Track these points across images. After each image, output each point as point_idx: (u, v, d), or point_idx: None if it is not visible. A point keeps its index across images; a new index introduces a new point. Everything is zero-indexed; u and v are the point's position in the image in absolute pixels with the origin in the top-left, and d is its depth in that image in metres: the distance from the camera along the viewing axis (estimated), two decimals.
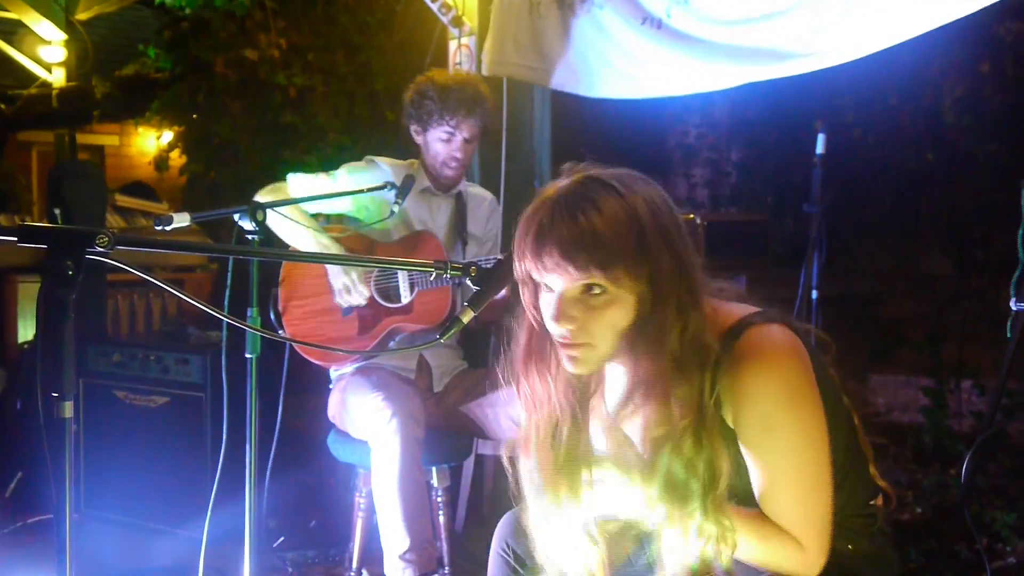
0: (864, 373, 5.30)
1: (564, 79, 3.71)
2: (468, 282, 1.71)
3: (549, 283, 1.48)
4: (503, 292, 1.73)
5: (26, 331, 4.39)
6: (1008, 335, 2.55)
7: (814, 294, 3.52)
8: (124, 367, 3.50)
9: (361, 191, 2.82)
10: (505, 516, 1.86)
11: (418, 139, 3.04)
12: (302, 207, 2.89)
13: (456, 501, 3.37)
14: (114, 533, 3.46)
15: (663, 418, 1.46)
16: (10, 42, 7.07)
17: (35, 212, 7.62)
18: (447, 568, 2.85)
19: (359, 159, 3.08)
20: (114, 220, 5.20)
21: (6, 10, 6.58)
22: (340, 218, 3.06)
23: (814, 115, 3.83)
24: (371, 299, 2.89)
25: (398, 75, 5.09)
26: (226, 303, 2.40)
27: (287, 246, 2.90)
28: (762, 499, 1.50)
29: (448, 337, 1.64)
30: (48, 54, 6.86)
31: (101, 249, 1.35)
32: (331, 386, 3.03)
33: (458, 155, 2.98)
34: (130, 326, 4.79)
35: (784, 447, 1.48)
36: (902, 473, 4.12)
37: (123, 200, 5.44)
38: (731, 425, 1.50)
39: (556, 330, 1.49)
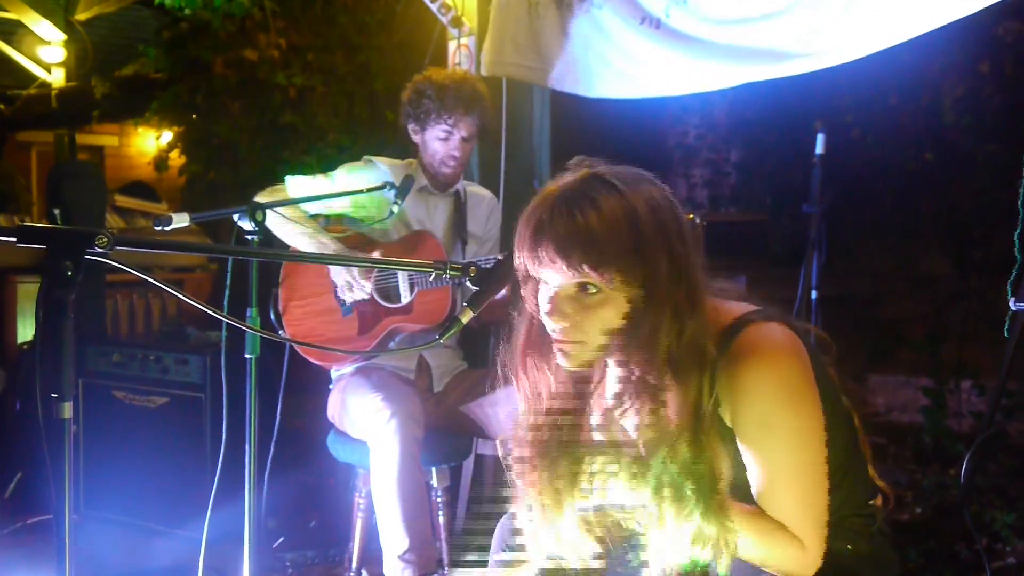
0: (864, 373, 5.30)
1: (563, 79, 3.71)
2: (468, 282, 1.71)
3: (545, 278, 1.49)
4: (503, 292, 1.73)
5: (26, 331, 4.39)
6: (1006, 335, 2.55)
7: (814, 294, 3.52)
8: (123, 367, 3.50)
9: (360, 191, 2.82)
10: (505, 516, 1.86)
11: (416, 138, 3.04)
12: (301, 208, 2.90)
13: (456, 501, 3.37)
14: (114, 533, 3.46)
15: (654, 421, 1.46)
16: (9, 42, 7.08)
17: (35, 212, 7.62)
18: (447, 568, 2.85)
19: (358, 159, 3.08)
20: (113, 220, 5.20)
21: (5, 10, 6.58)
22: (339, 219, 3.06)
23: (814, 115, 3.84)
24: (371, 299, 2.89)
25: (397, 75, 5.09)
26: (225, 303, 2.40)
27: (287, 247, 2.90)
28: (760, 497, 1.49)
29: (448, 338, 1.64)
30: (48, 54, 6.87)
31: (100, 249, 1.35)
32: (331, 386, 3.03)
33: (456, 154, 2.98)
34: (129, 326, 4.79)
35: (783, 445, 1.47)
36: (902, 473, 4.12)
37: (122, 200, 5.44)
38: (729, 424, 1.50)
39: (550, 325, 1.50)
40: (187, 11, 5.58)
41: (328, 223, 3.05)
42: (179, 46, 5.93)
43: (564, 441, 1.59)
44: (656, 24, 3.30)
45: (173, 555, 3.23)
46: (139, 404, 3.45)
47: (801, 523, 1.47)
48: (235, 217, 2.30)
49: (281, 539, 3.45)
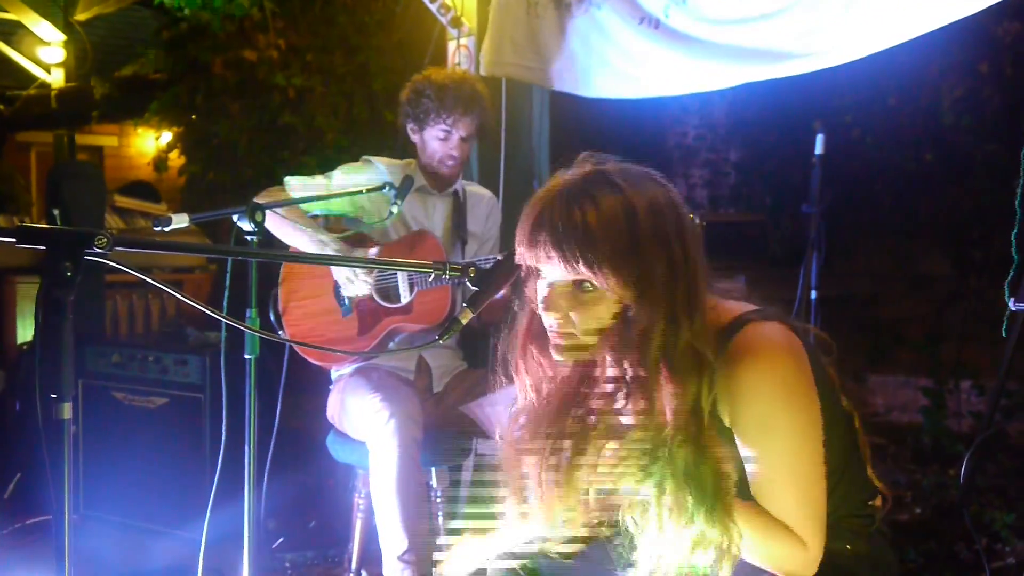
0: (863, 373, 5.31)
1: (562, 79, 3.71)
2: (467, 283, 1.71)
3: (543, 271, 1.50)
4: (503, 292, 1.73)
5: (25, 332, 4.38)
6: (1004, 334, 2.55)
7: (813, 294, 3.52)
8: (123, 368, 3.50)
9: (359, 191, 2.82)
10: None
11: (415, 137, 3.04)
12: (301, 208, 2.89)
13: (456, 502, 3.37)
14: (113, 534, 3.46)
15: (649, 420, 1.46)
16: (9, 43, 7.07)
17: (34, 213, 7.62)
18: None
19: (357, 159, 3.08)
20: (113, 221, 5.20)
21: (5, 11, 6.58)
22: (339, 219, 3.06)
23: (813, 115, 3.84)
24: (371, 299, 2.89)
25: (397, 76, 5.09)
26: (225, 304, 2.40)
27: (287, 247, 2.90)
28: (760, 496, 1.49)
29: (447, 338, 1.64)
30: (47, 55, 6.86)
31: (100, 250, 1.35)
32: (331, 387, 3.03)
33: (455, 153, 2.98)
34: (129, 327, 4.79)
35: (781, 445, 1.47)
36: (901, 473, 4.12)
37: (122, 201, 5.43)
38: (727, 424, 1.50)
39: (544, 318, 1.52)
40: (186, 11, 5.59)
41: (327, 224, 3.05)
42: (178, 47, 5.93)
43: (563, 428, 1.60)
44: (655, 24, 3.30)
45: (172, 556, 3.23)
46: (138, 405, 3.45)
47: (801, 521, 1.47)
48: (234, 218, 2.29)
49: (280, 540, 3.45)
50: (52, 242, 1.34)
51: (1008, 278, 2.53)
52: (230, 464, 2.49)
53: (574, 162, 1.54)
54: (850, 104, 5.94)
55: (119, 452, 3.47)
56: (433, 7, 3.91)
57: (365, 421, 2.69)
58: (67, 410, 1.35)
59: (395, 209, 2.79)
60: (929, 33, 2.58)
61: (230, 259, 2.36)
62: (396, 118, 3.14)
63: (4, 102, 7.52)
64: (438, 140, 2.96)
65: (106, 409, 3.50)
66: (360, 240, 2.97)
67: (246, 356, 2.29)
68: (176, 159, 6.58)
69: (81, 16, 6.76)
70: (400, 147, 3.41)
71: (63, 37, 6.78)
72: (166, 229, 2.28)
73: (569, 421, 1.60)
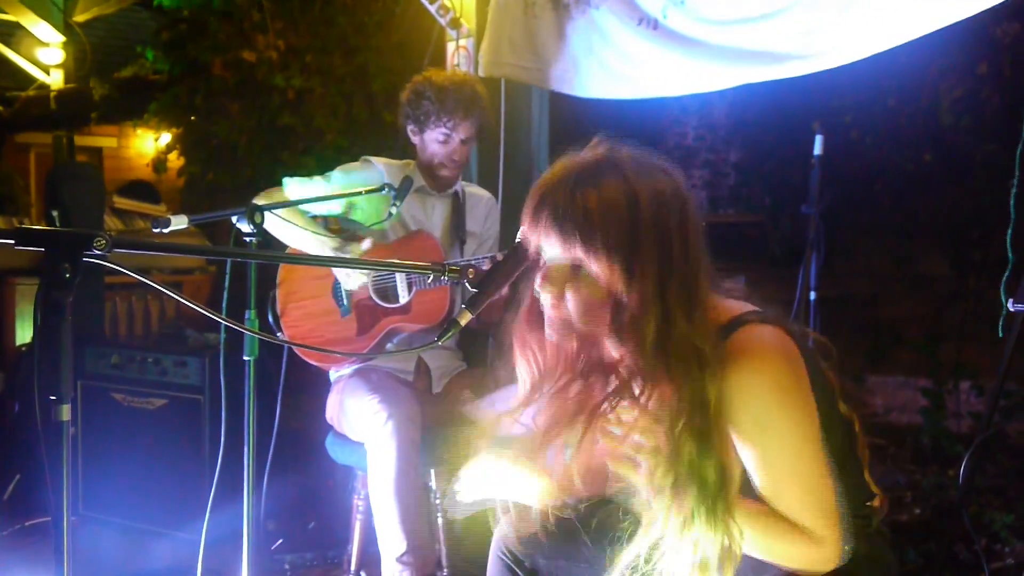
0: (862, 374, 5.30)
1: (560, 79, 3.71)
2: (466, 284, 1.71)
3: (543, 249, 1.52)
4: (502, 292, 1.73)
5: (24, 333, 4.38)
6: (1000, 334, 2.55)
7: (812, 295, 3.52)
8: (122, 369, 3.50)
9: (359, 193, 2.81)
10: (504, 518, 1.86)
11: (415, 139, 3.04)
12: (300, 209, 2.89)
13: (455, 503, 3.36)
14: (112, 535, 3.46)
15: (649, 414, 1.46)
16: (8, 44, 7.07)
17: (33, 214, 7.62)
18: (446, 570, 2.85)
19: (356, 160, 3.07)
20: (112, 222, 5.20)
21: (4, 12, 6.57)
22: (338, 220, 3.06)
23: (812, 116, 3.84)
24: (369, 299, 2.88)
25: (396, 76, 5.09)
26: (224, 305, 2.40)
27: (286, 248, 2.90)
28: (768, 498, 1.49)
29: (446, 339, 1.64)
30: (46, 56, 6.86)
31: (98, 252, 1.35)
32: (330, 387, 3.03)
33: (455, 156, 2.98)
34: (128, 328, 4.78)
35: (780, 444, 1.47)
36: (900, 474, 4.12)
37: (121, 202, 5.43)
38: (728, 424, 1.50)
39: (541, 296, 1.54)
40: (185, 12, 5.59)
41: (327, 225, 3.05)
42: (178, 47, 5.93)
43: (570, 413, 1.61)
44: (654, 25, 3.30)
45: (172, 557, 3.23)
46: (138, 406, 3.45)
47: (811, 518, 1.47)
48: (233, 219, 2.29)
49: (280, 541, 3.45)
50: (51, 243, 1.33)
51: (1004, 278, 2.53)
52: (229, 465, 2.49)
53: (588, 145, 1.55)
54: (849, 105, 5.94)
55: (118, 453, 3.47)
56: (432, 8, 3.90)
57: (363, 422, 2.69)
58: (66, 411, 1.35)
59: (394, 210, 2.79)
60: (928, 34, 2.58)
61: (229, 260, 2.36)
62: (395, 119, 3.13)
63: (3, 103, 7.52)
64: (438, 143, 2.96)
65: (105, 410, 3.50)
66: (356, 236, 2.97)
67: (245, 357, 2.29)
68: (175, 160, 6.58)
69: (80, 17, 6.76)
70: (399, 148, 3.41)
71: (62, 38, 6.77)
72: (165, 230, 2.28)
73: (574, 406, 1.61)
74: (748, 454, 1.48)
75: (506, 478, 1.72)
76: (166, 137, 7.05)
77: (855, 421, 1.66)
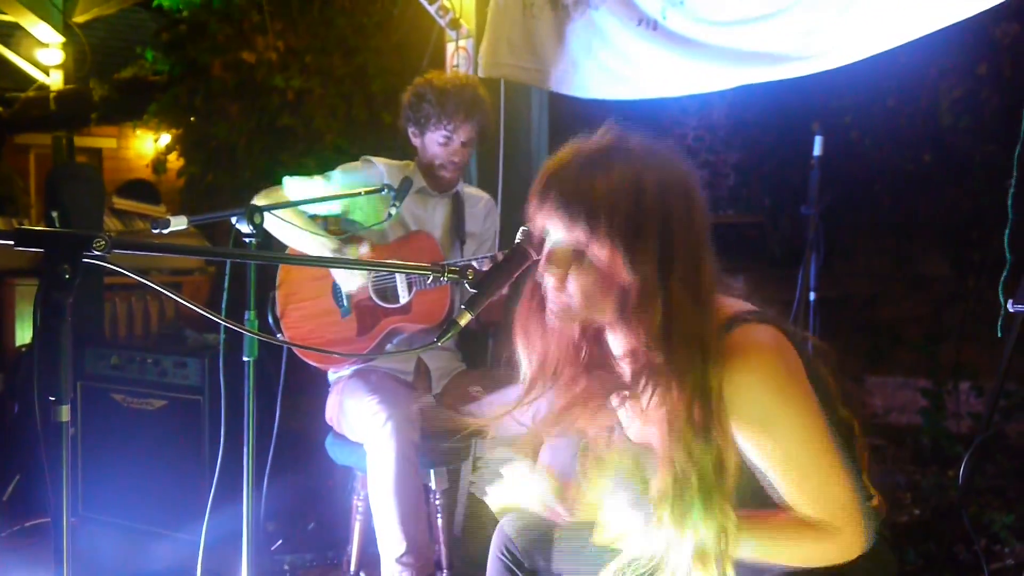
0: (862, 374, 5.30)
1: (559, 80, 3.70)
2: (466, 284, 1.71)
3: (548, 231, 1.52)
4: (501, 292, 1.72)
5: (24, 334, 4.38)
6: (999, 334, 2.55)
7: (812, 296, 3.52)
8: (122, 370, 3.50)
9: (358, 194, 2.81)
10: (504, 519, 1.86)
11: (415, 141, 3.04)
12: (299, 209, 2.89)
13: (455, 504, 3.37)
14: (112, 536, 3.46)
15: (647, 406, 1.46)
16: (7, 45, 7.07)
17: (33, 215, 7.62)
18: (445, 571, 2.85)
19: (356, 160, 3.07)
20: (111, 223, 5.20)
21: (3, 13, 6.57)
22: (337, 220, 3.06)
23: (812, 117, 3.84)
24: (369, 299, 2.88)
25: (395, 77, 5.09)
26: (223, 306, 2.40)
27: (285, 248, 2.90)
28: (784, 496, 1.48)
29: (446, 340, 1.64)
30: (46, 57, 6.86)
31: (98, 252, 1.35)
32: (329, 388, 3.03)
33: (455, 159, 2.98)
34: (128, 329, 4.78)
35: (787, 438, 1.46)
36: (900, 475, 4.12)
37: (120, 203, 5.43)
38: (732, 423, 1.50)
39: (543, 278, 1.55)
40: (185, 13, 5.58)
41: (326, 225, 3.05)
42: (177, 48, 5.93)
43: (575, 397, 1.61)
44: (653, 25, 3.30)
45: (171, 558, 3.23)
46: (137, 407, 3.45)
47: (827, 509, 1.46)
48: (233, 220, 2.30)
49: (280, 542, 3.45)
50: (50, 244, 1.33)
51: (1002, 278, 2.53)
52: (229, 466, 2.49)
53: (599, 130, 1.55)
54: (849, 105, 5.94)
55: (118, 454, 3.47)
56: (432, 9, 3.90)
57: (363, 423, 2.69)
58: (66, 412, 1.35)
59: (393, 211, 2.79)
60: (928, 34, 2.58)
61: (228, 261, 2.36)
62: (394, 119, 3.13)
63: (3, 104, 7.52)
64: (439, 145, 2.96)
65: (105, 411, 3.50)
66: (356, 238, 2.97)
67: (245, 358, 2.29)
68: (175, 161, 6.57)
69: (80, 18, 6.76)
70: (399, 148, 3.41)
71: (62, 39, 6.77)
72: (164, 231, 2.28)
73: (579, 392, 1.61)
74: (758, 452, 1.48)
75: (534, 489, 1.71)
76: (166, 138, 7.04)
77: (855, 425, 1.65)
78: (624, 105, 3.55)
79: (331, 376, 3.02)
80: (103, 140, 9.69)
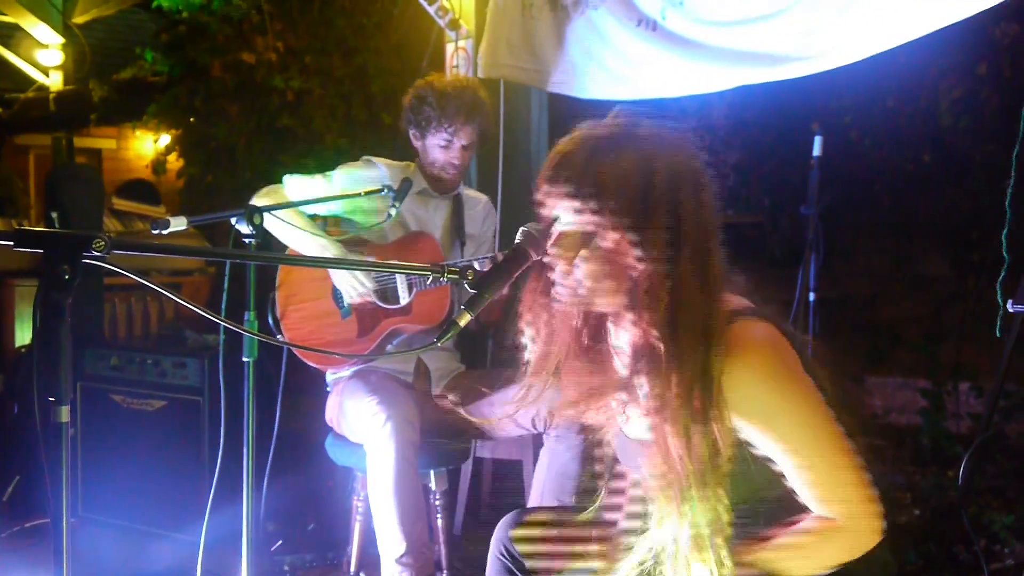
0: (862, 375, 5.30)
1: (558, 80, 3.71)
2: (465, 285, 1.71)
3: (556, 214, 1.52)
4: (501, 292, 1.72)
5: (23, 335, 4.38)
6: (998, 334, 2.55)
7: (811, 296, 3.51)
8: (121, 371, 3.50)
9: (358, 195, 2.81)
10: (503, 519, 1.86)
11: (416, 143, 3.04)
12: (299, 209, 2.89)
13: (454, 504, 3.37)
14: (112, 537, 3.46)
15: (654, 386, 1.46)
16: (7, 46, 7.06)
17: (32, 215, 7.62)
18: (445, 572, 2.85)
19: (357, 161, 3.07)
20: (111, 223, 5.20)
21: (3, 14, 6.57)
22: (337, 220, 3.06)
23: (811, 117, 3.84)
24: (369, 300, 2.88)
25: (395, 78, 5.10)
26: (223, 307, 2.40)
27: (285, 249, 2.90)
28: (800, 492, 1.47)
29: (445, 341, 1.64)
30: (45, 57, 6.85)
31: (98, 253, 1.35)
32: (328, 389, 3.03)
33: (456, 161, 2.98)
34: (127, 330, 4.78)
35: (791, 431, 1.46)
36: (900, 475, 4.12)
37: (120, 203, 5.43)
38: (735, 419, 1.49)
39: (550, 261, 1.55)
40: (185, 14, 5.58)
41: (326, 225, 3.05)
42: (177, 49, 5.93)
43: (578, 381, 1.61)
44: (653, 26, 3.30)
45: (171, 558, 3.23)
46: (137, 407, 3.44)
47: (842, 499, 1.45)
48: (233, 220, 2.29)
49: (279, 542, 3.45)
50: (50, 245, 1.33)
51: (1000, 278, 2.53)
52: (229, 467, 2.49)
53: (610, 115, 1.56)
54: (848, 105, 5.94)
55: (118, 455, 3.47)
56: (431, 9, 3.91)
57: (362, 424, 2.69)
58: (65, 413, 1.35)
59: (393, 211, 2.79)
60: (928, 34, 2.58)
61: (228, 262, 2.36)
62: (394, 120, 3.14)
63: (2, 105, 7.51)
64: (439, 148, 2.96)
65: (104, 412, 3.50)
66: (358, 242, 2.97)
67: (245, 359, 2.29)
68: (175, 161, 6.58)
69: (79, 19, 6.75)
70: (399, 149, 3.41)
71: (61, 40, 6.77)
72: (164, 232, 2.28)
73: (582, 374, 1.61)
74: (765, 447, 1.47)
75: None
76: (165, 139, 7.05)
77: (855, 428, 1.65)
78: (623, 105, 3.55)
79: (329, 377, 3.02)
80: (103, 141, 9.69)
